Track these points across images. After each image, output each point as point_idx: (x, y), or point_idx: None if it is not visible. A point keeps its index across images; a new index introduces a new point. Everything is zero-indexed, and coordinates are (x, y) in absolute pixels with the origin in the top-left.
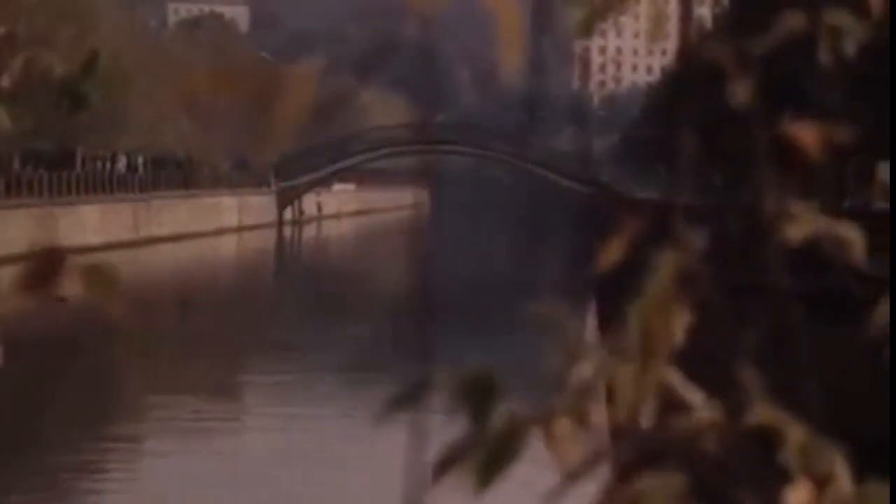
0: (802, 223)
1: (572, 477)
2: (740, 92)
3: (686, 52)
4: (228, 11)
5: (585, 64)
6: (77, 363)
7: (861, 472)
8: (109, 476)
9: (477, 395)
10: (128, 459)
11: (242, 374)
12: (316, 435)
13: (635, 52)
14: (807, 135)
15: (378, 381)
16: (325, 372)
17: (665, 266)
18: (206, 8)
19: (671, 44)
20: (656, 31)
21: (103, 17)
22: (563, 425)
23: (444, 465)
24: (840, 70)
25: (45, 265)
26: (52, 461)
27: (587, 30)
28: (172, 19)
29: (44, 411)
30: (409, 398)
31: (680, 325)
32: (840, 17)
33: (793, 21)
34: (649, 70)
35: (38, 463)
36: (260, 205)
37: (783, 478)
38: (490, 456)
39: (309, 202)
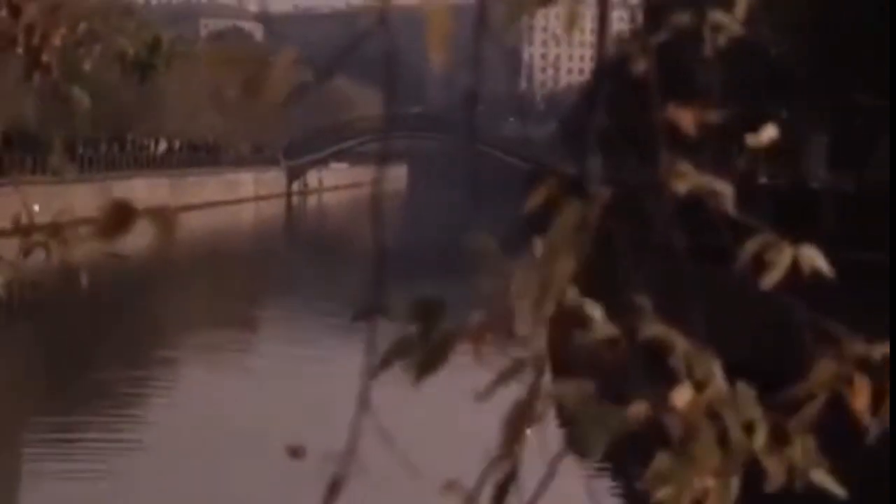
0: (686, 179)
1: (501, 381)
2: (639, 68)
3: (602, 54)
4: (247, 26)
5: (530, 68)
6: (129, 303)
7: (733, 381)
8: (153, 388)
9: (426, 314)
10: (168, 375)
11: (261, 310)
12: (320, 356)
13: (570, 59)
14: (685, 117)
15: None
16: (326, 308)
17: (568, 213)
18: (230, 23)
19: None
20: (570, 25)
21: (152, 30)
22: (487, 337)
23: (387, 361)
24: (722, 59)
25: (117, 215)
26: (108, 376)
27: (512, 21)
28: (203, 32)
29: (102, 340)
30: (368, 311)
31: (572, 260)
32: (720, 16)
33: (681, 19)
34: (581, 73)
35: (97, 377)
36: (272, 179)
37: (671, 382)
38: (426, 357)
39: (312, 177)
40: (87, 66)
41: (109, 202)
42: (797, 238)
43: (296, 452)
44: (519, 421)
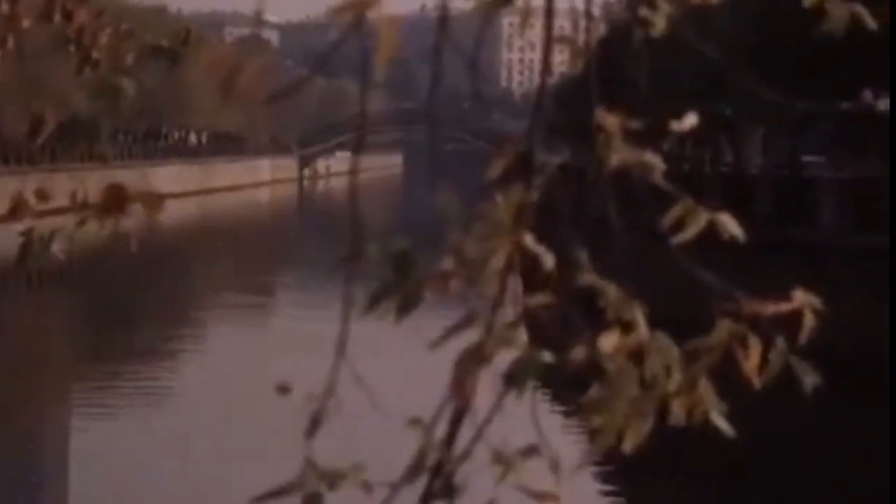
0: (620, 152)
1: (454, 331)
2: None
3: (548, 54)
4: (265, 34)
5: (510, 70)
6: (160, 271)
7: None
8: (185, 342)
9: (400, 262)
10: (197, 332)
11: (275, 277)
12: (324, 313)
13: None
14: (609, 121)
15: (364, 276)
16: (331, 273)
17: (511, 195)
18: (250, 31)
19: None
20: (524, 24)
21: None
22: (454, 283)
23: (373, 303)
24: (674, 64)
25: (111, 198)
26: (145, 334)
27: (487, 10)
28: (227, 39)
29: (138, 303)
30: (349, 260)
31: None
32: (646, 13)
33: (618, 15)
34: (552, 75)
35: (136, 336)
36: (286, 166)
37: (602, 327)
38: (404, 300)
39: (320, 164)
40: (129, 60)
41: (106, 186)
42: (737, 218)
43: (283, 389)
44: (469, 361)
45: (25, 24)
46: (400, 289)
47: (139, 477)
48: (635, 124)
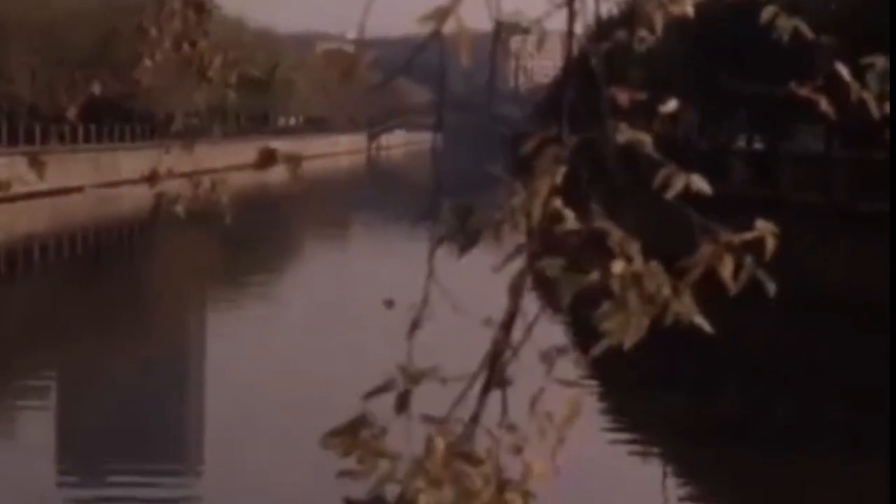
0: (624, 133)
1: (509, 257)
2: (595, 63)
3: (569, 57)
4: (348, 47)
5: (515, 72)
6: (273, 211)
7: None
8: (284, 263)
9: (462, 213)
10: (292, 256)
11: (351, 216)
12: (388, 241)
13: (540, 67)
14: (621, 96)
15: (418, 219)
16: (394, 215)
17: (548, 152)
18: (336, 45)
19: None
20: (540, 46)
21: (286, 53)
22: (503, 228)
23: (440, 241)
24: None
25: (265, 156)
26: (250, 259)
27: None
28: (318, 50)
29: (256, 233)
30: (426, 215)
31: (551, 180)
32: (643, 33)
33: (620, 35)
34: (546, 76)
35: (245, 259)
36: (358, 140)
37: (611, 256)
38: (465, 241)
39: (383, 139)
40: (231, 79)
41: (261, 148)
42: None
43: (389, 304)
44: (520, 282)
45: (167, 44)
46: (462, 232)
47: (258, 348)
48: (641, 96)
